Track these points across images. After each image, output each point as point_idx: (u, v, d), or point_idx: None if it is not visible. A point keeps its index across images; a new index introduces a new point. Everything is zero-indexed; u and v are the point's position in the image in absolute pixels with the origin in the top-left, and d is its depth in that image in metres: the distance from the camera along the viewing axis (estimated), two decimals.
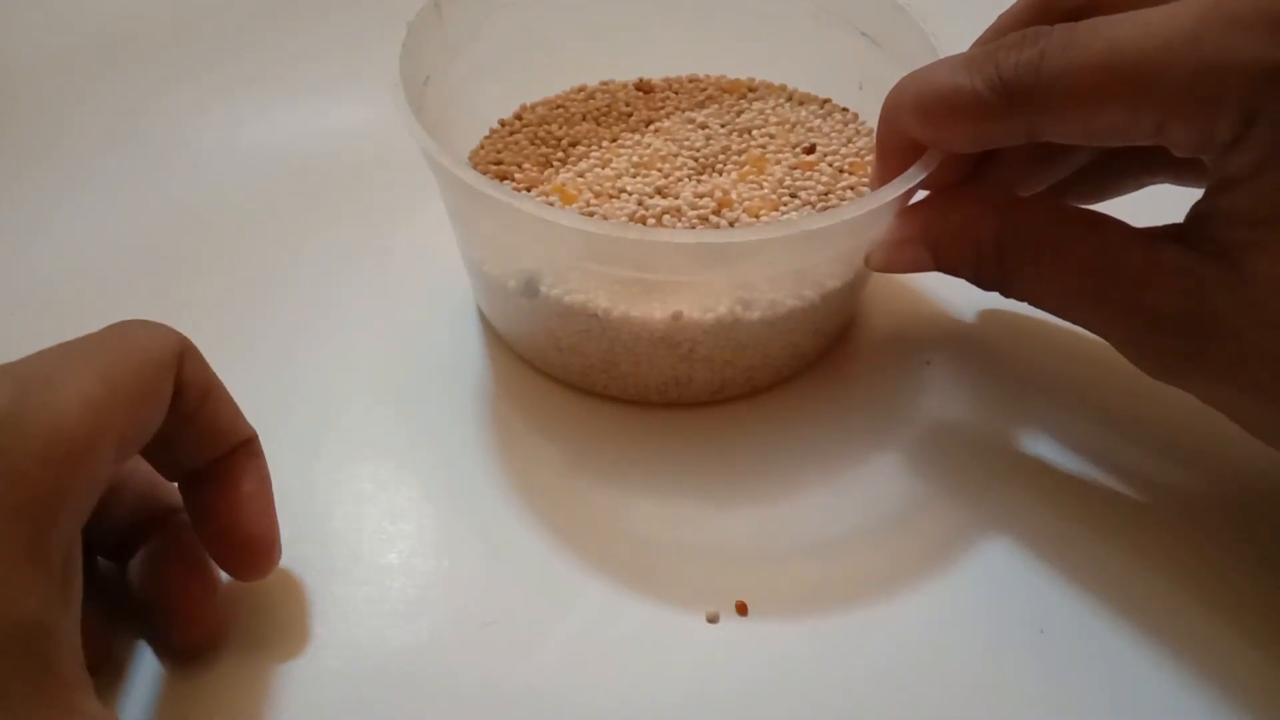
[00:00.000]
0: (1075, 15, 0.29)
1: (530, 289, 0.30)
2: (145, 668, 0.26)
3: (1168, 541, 0.29)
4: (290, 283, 0.35)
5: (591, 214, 0.32)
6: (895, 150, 0.29)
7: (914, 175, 0.28)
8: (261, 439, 0.30)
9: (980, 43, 0.31)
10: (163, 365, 0.23)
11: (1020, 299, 0.29)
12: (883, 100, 0.29)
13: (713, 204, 0.32)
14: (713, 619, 0.27)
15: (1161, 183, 0.32)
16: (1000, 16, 0.31)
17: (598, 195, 0.33)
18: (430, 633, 0.27)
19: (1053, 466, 0.31)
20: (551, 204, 0.33)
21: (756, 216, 0.32)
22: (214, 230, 0.36)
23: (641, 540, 0.29)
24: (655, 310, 0.29)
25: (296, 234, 0.37)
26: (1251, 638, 0.27)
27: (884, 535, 0.30)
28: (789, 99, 0.38)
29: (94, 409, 0.21)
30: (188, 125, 0.39)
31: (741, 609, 0.28)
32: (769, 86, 0.38)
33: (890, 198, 0.27)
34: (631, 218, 0.32)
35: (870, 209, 0.27)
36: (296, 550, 0.28)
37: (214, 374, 0.26)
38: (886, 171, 0.29)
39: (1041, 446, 0.32)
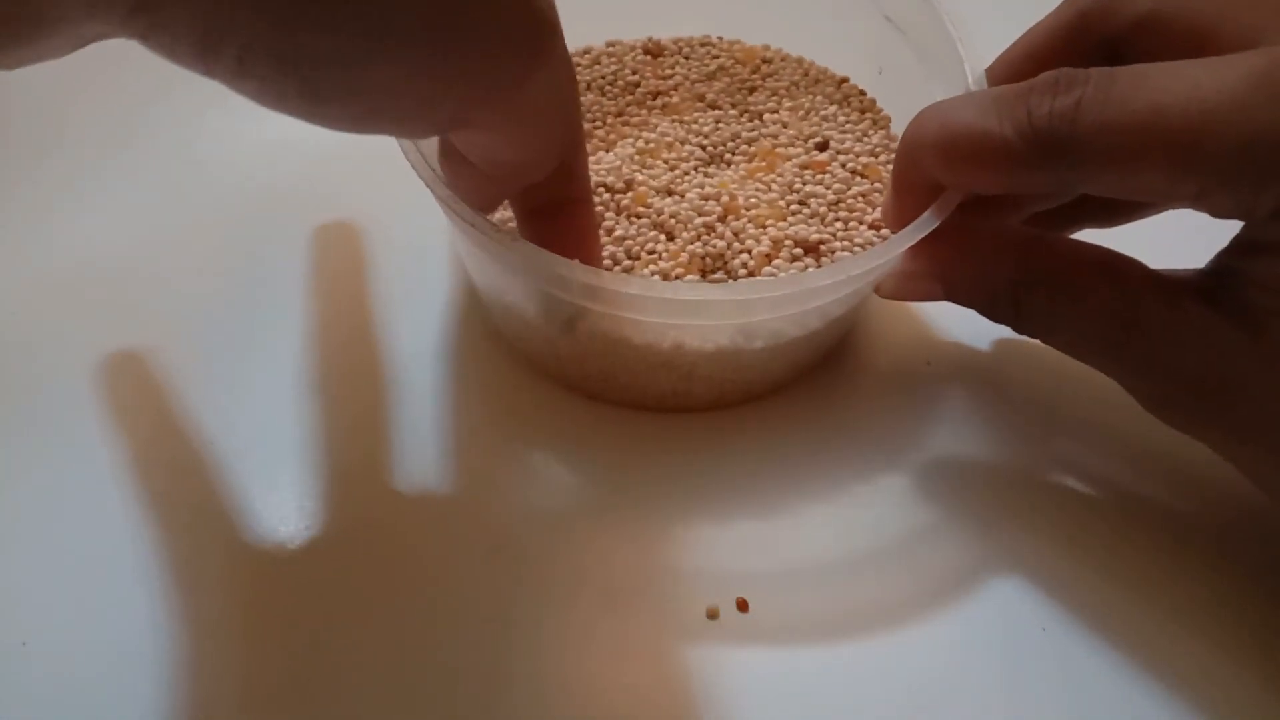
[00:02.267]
0: (1114, 41, 0.27)
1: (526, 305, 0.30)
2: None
3: (1174, 568, 0.29)
4: (290, 281, 0.35)
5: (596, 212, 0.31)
6: (912, 187, 0.28)
7: (929, 222, 0.27)
8: (262, 438, 0.31)
9: (1009, 62, 0.29)
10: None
11: (1033, 337, 0.29)
12: (901, 87, 0.27)
13: (719, 209, 0.31)
14: (713, 614, 0.28)
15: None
16: (1030, 32, 0.29)
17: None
18: (429, 628, 0.27)
19: (1049, 461, 0.32)
20: None
21: (763, 227, 0.31)
22: (214, 229, 0.35)
23: (639, 546, 0.29)
24: (655, 339, 0.29)
25: (297, 233, 0.36)
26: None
27: (885, 534, 0.30)
28: (805, 74, 0.36)
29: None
30: (188, 125, 0.37)
31: (742, 605, 0.28)
32: (784, 58, 0.36)
33: (900, 249, 0.27)
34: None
35: (879, 263, 0.27)
36: (300, 535, 0.29)
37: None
38: (902, 207, 0.28)
39: (1040, 443, 0.32)
